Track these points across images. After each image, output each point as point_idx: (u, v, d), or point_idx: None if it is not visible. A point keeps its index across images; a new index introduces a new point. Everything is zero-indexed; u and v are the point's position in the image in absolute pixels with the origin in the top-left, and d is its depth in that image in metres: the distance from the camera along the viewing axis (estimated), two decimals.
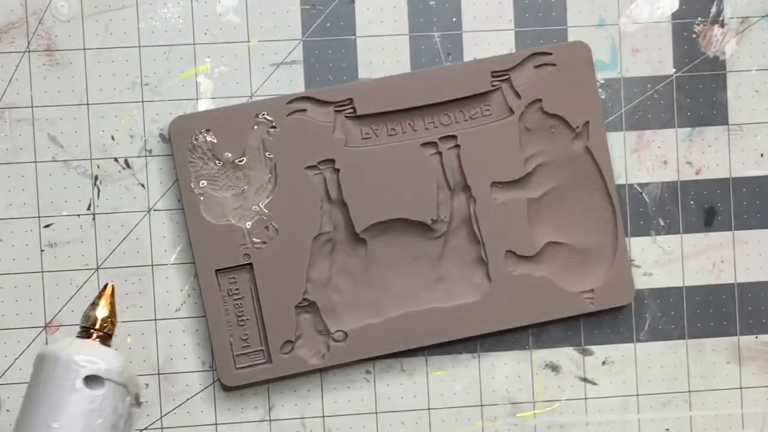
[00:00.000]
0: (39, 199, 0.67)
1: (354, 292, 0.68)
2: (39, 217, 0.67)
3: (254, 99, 0.68)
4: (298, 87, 0.68)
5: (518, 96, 0.68)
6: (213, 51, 0.67)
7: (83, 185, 0.67)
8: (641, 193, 0.69)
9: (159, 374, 0.67)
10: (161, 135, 0.67)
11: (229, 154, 0.66)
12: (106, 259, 0.67)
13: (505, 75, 0.68)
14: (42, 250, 0.67)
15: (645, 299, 0.69)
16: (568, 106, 0.67)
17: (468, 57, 0.69)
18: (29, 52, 0.67)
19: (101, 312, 0.61)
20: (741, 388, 0.70)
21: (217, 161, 0.66)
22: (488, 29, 0.69)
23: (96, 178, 0.67)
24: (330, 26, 0.68)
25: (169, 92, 0.67)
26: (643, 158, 0.70)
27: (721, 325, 0.70)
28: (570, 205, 0.68)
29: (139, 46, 0.67)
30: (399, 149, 0.67)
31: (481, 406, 0.69)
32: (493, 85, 0.67)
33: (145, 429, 0.67)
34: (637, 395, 0.69)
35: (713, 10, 0.70)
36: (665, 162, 0.70)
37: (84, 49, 0.67)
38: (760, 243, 0.70)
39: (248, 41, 0.68)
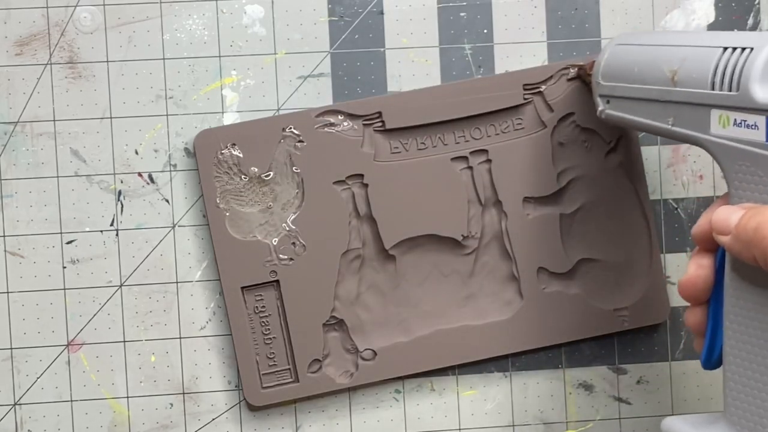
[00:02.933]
0: (61, 215, 0.65)
1: (383, 309, 0.66)
2: (61, 233, 0.65)
3: (281, 112, 0.66)
4: (326, 100, 0.67)
5: (551, 109, 0.66)
6: (239, 63, 0.66)
7: (106, 200, 0.66)
8: (676, 208, 0.68)
9: (184, 393, 0.66)
10: (186, 149, 0.66)
11: (256, 169, 0.65)
12: (129, 276, 0.66)
13: (537, 88, 0.66)
14: (64, 267, 0.66)
15: (680, 317, 0.68)
16: (601, 120, 0.66)
17: (499, 69, 0.67)
18: (51, 64, 0.66)
19: None
20: None
21: (243, 176, 0.65)
22: (520, 41, 0.67)
23: (119, 193, 0.66)
24: (358, 38, 0.67)
25: (194, 105, 0.66)
26: (679, 173, 0.68)
27: None
28: (604, 221, 0.67)
29: (164, 59, 0.66)
30: (429, 164, 0.66)
31: (513, 426, 0.67)
32: (525, 99, 0.66)
33: None
34: (673, 415, 0.68)
35: (750, 21, 0.68)
36: (701, 177, 0.68)
37: (107, 61, 0.66)
38: None
39: (275, 53, 0.66)
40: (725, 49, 0.50)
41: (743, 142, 0.49)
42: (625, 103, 0.58)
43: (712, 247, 0.52)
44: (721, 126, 0.51)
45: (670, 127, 0.54)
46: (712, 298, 0.53)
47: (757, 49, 0.49)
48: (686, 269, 0.53)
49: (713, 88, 0.51)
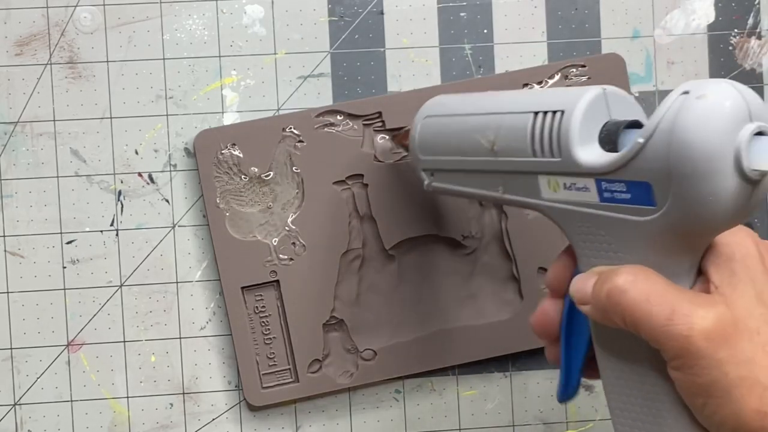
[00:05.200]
0: (61, 215, 0.65)
1: (383, 309, 0.66)
2: (61, 233, 0.65)
3: (281, 112, 0.66)
4: (326, 100, 0.66)
5: None
6: (239, 63, 0.66)
7: (106, 200, 0.66)
8: None
9: (184, 393, 0.66)
10: (186, 149, 0.66)
11: (255, 169, 0.65)
12: (129, 276, 0.66)
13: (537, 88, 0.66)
14: (64, 267, 0.65)
15: None
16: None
17: (499, 69, 0.67)
18: (51, 64, 0.65)
19: None
20: None
21: (243, 176, 0.65)
22: (520, 41, 0.67)
23: (119, 193, 0.66)
24: (358, 38, 0.67)
25: (194, 105, 0.66)
26: None
27: None
28: None
29: (164, 59, 0.66)
30: None
31: (513, 426, 0.67)
32: None
33: None
34: None
35: (750, 21, 0.68)
36: None
37: (107, 61, 0.66)
38: None
39: (275, 53, 0.66)
40: (537, 114, 0.48)
41: (578, 204, 0.47)
42: (449, 175, 0.55)
43: (561, 295, 0.51)
44: (552, 190, 0.48)
45: (501, 195, 0.52)
46: (563, 338, 0.51)
47: (568, 111, 0.46)
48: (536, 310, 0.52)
49: (535, 156, 0.48)
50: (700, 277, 0.46)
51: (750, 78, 0.68)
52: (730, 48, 0.68)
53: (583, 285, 0.47)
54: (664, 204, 0.43)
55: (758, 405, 0.43)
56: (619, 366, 0.48)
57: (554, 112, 0.47)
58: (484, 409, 0.67)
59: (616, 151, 0.45)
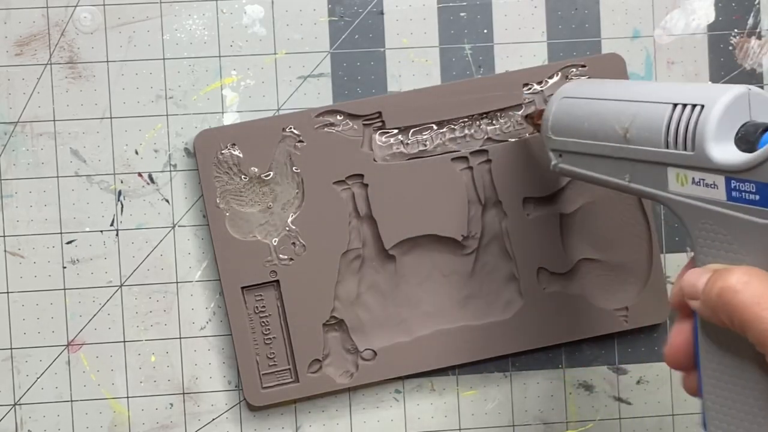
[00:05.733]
0: (61, 215, 0.65)
1: (383, 309, 0.66)
2: (61, 233, 0.65)
3: (281, 112, 0.66)
4: (326, 100, 0.66)
5: None
6: (239, 63, 0.66)
7: (106, 200, 0.66)
8: None
9: (184, 393, 0.66)
10: (186, 149, 0.66)
11: (256, 169, 0.65)
12: (129, 276, 0.66)
13: (537, 88, 0.66)
14: (64, 267, 0.65)
15: None
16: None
17: (499, 69, 0.67)
18: (51, 64, 0.65)
19: None
20: None
21: (243, 176, 0.65)
22: (520, 41, 0.67)
23: (119, 193, 0.66)
24: (358, 38, 0.67)
25: (194, 105, 0.66)
26: None
27: None
28: (603, 221, 0.67)
29: (164, 59, 0.66)
30: (429, 164, 0.66)
31: (513, 426, 0.67)
32: (525, 98, 0.66)
33: None
34: (673, 415, 0.68)
35: (750, 21, 0.68)
36: None
37: (107, 61, 0.66)
38: None
39: (275, 53, 0.66)
40: (675, 105, 0.48)
41: (704, 201, 0.47)
42: (578, 158, 0.56)
43: (689, 312, 0.49)
44: (679, 184, 0.48)
45: (627, 183, 0.52)
46: (698, 364, 0.49)
47: (708, 106, 0.46)
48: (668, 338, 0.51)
49: (667, 147, 0.48)
50: None
51: (750, 78, 0.68)
52: (730, 48, 0.68)
53: (696, 279, 0.46)
54: None
55: None
56: (721, 362, 0.47)
57: (694, 106, 0.47)
58: (484, 409, 0.67)
59: (752, 153, 0.44)
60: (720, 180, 0.46)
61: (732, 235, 0.46)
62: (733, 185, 0.45)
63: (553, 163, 0.59)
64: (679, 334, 0.50)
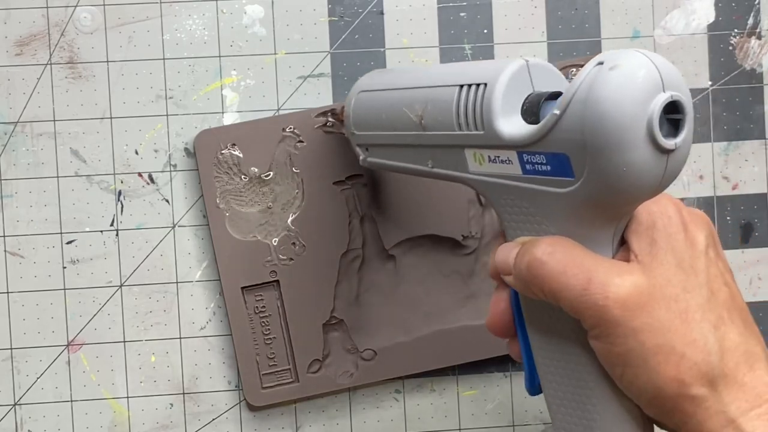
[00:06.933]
0: (61, 215, 0.65)
1: (383, 309, 0.66)
2: (61, 233, 0.65)
3: (281, 112, 0.66)
4: (326, 100, 0.66)
5: None
6: (239, 63, 0.66)
7: (106, 201, 0.66)
8: None
9: (184, 394, 0.66)
10: (186, 149, 0.66)
11: (255, 169, 0.65)
12: (129, 276, 0.66)
13: None
14: (64, 267, 0.65)
15: None
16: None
17: None
18: (51, 64, 0.65)
19: None
20: None
21: (243, 176, 0.65)
22: (520, 41, 0.67)
23: (119, 193, 0.66)
24: (358, 38, 0.67)
25: (194, 106, 0.66)
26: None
27: None
28: None
29: (164, 59, 0.66)
30: None
31: (513, 426, 0.67)
32: None
33: None
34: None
35: (750, 21, 0.68)
36: (701, 177, 0.68)
37: (107, 61, 0.66)
38: None
39: (275, 53, 0.66)
40: (461, 87, 0.48)
41: (503, 177, 0.47)
42: (382, 150, 0.56)
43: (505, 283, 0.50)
44: (477, 164, 0.48)
45: (430, 169, 0.52)
46: (518, 329, 0.50)
47: (491, 84, 0.46)
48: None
49: (460, 129, 0.48)
50: (623, 246, 0.46)
51: (750, 78, 0.68)
52: (730, 48, 0.68)
53: (506, 255, 0.47)
54: (582, 175, 0.43)
55: (675, 373, 0.43)
56: (545, 338, 0.48)
57: (478, 85, 0.47)
58: (484, 409, 0.67)
59: (538, 123, 0.44)
60: (513, 155, 0.46)
61: (533, 206, 0.46)
62: (525, 159, 0.45)
63: (361, 158, 0.59)
64: (497, 303, 0.51)
